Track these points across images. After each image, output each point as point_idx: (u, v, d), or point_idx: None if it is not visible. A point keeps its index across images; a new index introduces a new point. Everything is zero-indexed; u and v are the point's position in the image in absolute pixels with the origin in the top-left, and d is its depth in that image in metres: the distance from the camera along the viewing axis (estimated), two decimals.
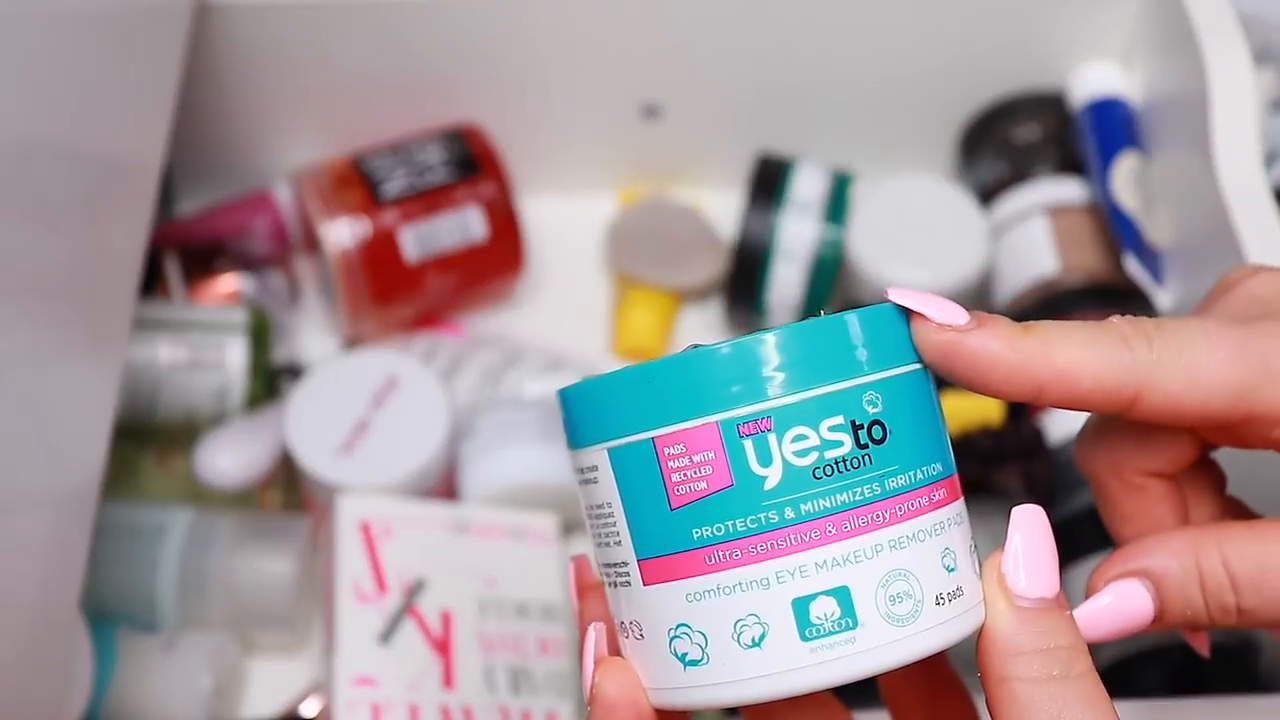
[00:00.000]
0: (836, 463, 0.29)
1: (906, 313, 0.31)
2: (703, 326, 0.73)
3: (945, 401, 0.32)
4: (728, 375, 0.29)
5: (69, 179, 0.46)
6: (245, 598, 0.59)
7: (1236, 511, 0.36)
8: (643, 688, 0.31)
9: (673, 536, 0.29)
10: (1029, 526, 0.31)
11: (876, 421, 0.29)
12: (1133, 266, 0.62)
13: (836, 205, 0.68)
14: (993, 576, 0.30)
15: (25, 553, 0.40)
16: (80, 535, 0.44)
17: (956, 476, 0.31)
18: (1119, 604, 0.33)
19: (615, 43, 0.69)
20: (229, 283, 0.68)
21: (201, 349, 0.64)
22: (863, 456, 0.29)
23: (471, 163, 0.68)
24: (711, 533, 0.29)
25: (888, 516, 0.29)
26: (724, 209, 0.74)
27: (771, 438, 0.29)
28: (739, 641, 0.29)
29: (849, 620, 0.29)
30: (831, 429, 0.29)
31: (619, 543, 0.31)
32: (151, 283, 0.67)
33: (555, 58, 0.70)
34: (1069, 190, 0.68)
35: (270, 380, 0.66)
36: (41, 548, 0.41)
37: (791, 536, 0.29)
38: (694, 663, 0.30)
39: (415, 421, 0.61)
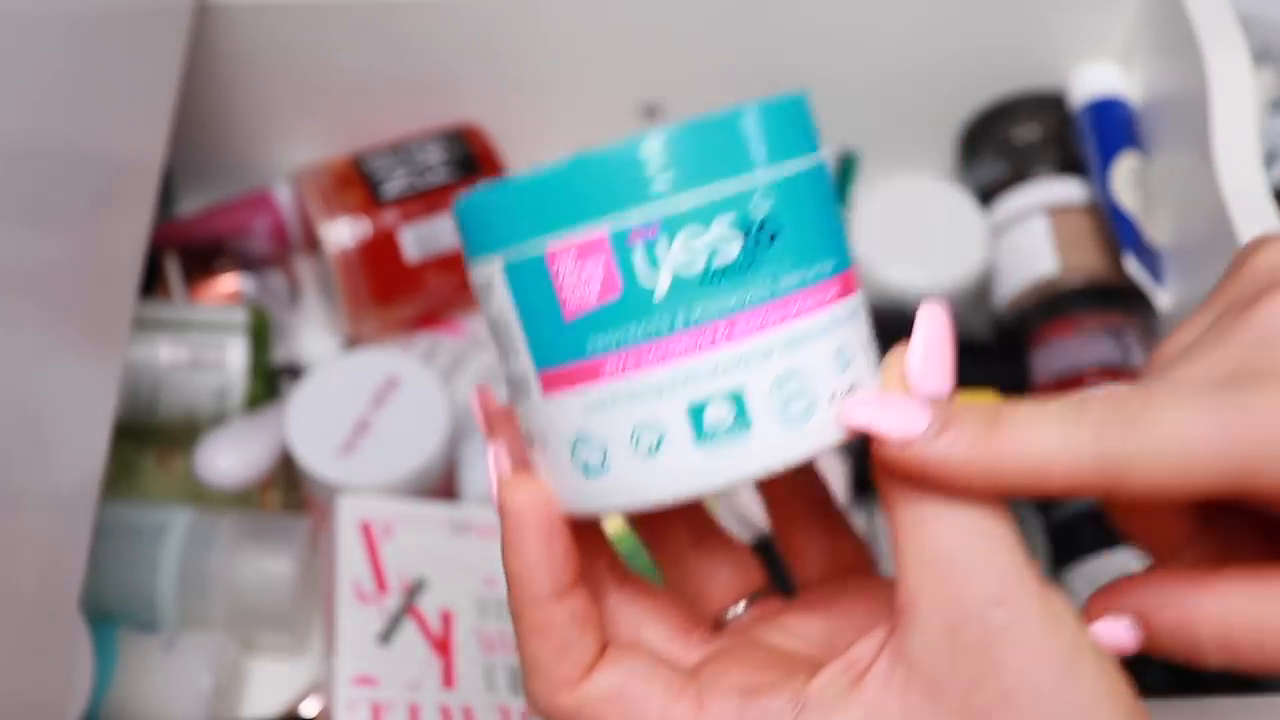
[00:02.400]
0: (727, 267, 0.29)
1: (805, 106, 0.30)
2: None
3: None
4: (614, 178, 0.28)
5: (69, 179, 0.46)
6: (245, 598, 0.59)
7: (1247, 531, 0.35)
8: (550, 498, 0.31)
9: (568, 347, 0.30)
10: (933, 323, 0.30)
11: (766, 221, 0.29)
12: (1133, 266, 0.62)
13: (841, 185, 0.69)
14: (892, 371, 0.30)
15: (25, 552, 0.40)
16: (80, 535, 0.44)
17: (852, 271, 0.31)
18: (1105, 638, 0.32)
19: (615, 43, 0.69)
20: (229, 283, 0.68)
21: (202, 349, 0.64)
22: (752, 258, 0.29)
23: (471, 163, 0.68)
24: (605, 342, 0.29)
25: (778, 317, 0.29)
26: None
27: (661, 242, 0.28)
28: (637, 448, 0.29)
29: (743, 423, 0.29)
30: (720, 231, 0.29)
31: (518, 355, 0.31)
32: (152, 283, 0.67)
33: (555, 58, 0.70)
34: (1069, 190, 0.68)
35: (270, 380, 0.66)
36: (41, 547, 0.41)
37: (683, 342, 0.29)
38: (595, 471, 0.30)
39: (415, 421, 0.61)
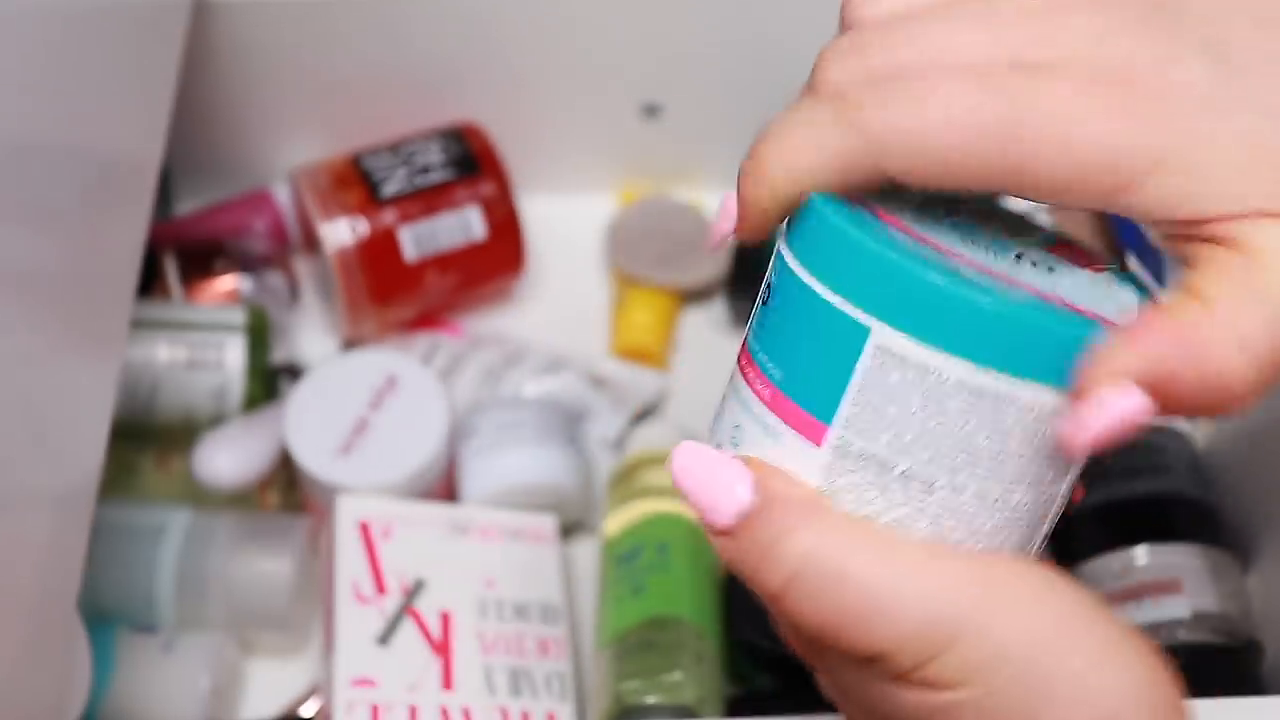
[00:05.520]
0: None
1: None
2: (703, 326, 0.73)
3: None
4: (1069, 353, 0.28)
5: (67, 178, 0.46)
6: (244, 598, 0.58)
7: None
8: None
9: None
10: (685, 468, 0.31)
11: None
12: (1133, 266, 0.62)
13: None
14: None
15: (23, 553, 0.40)
16: (78, 535, 0.44)
17: None
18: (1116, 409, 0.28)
19: (615, 43, 0.69)
20: (228, 282, 0.68)
21: (200, 349, 0.64)
22: None
23: (471, 162, 0.68)
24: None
25: None
26: None
27: None
28: None
29: None
30: None
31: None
32: (150, 282, 0.67)
33: (555, 58, 0.70)
34: None
35: (269, 380, 0.66)
36: (40, 548, 0.41)
37: None
38: None
39: (415, 422, 0.61)
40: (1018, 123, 0.27)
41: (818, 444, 0.30)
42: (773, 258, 0.32)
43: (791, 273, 0.30)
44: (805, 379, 0.30)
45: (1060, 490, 0.31)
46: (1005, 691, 0.28)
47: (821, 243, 0.29)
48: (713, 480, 0.30)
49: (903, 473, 0.29)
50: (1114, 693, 0.28)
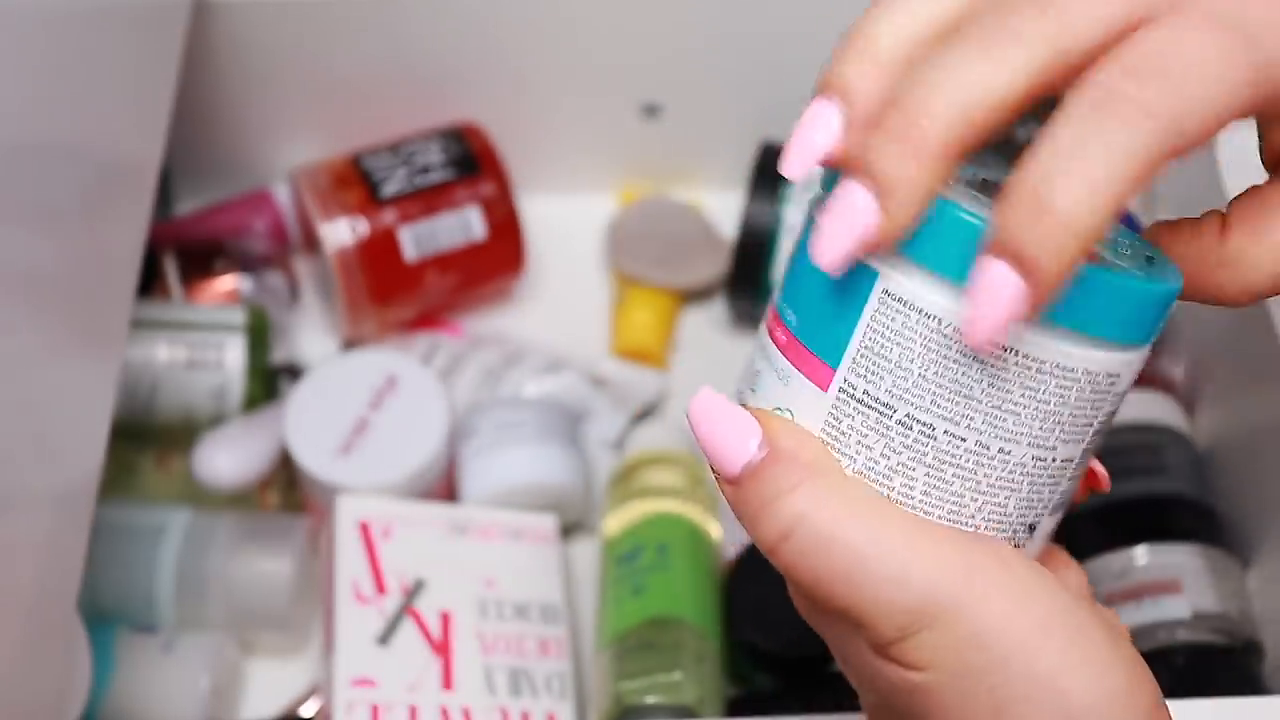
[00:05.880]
0: None
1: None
2: (703, 326, 0.73)
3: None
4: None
5: (67, 178, 0.46)
6: (244, 598, 0.58)
7: None
8: None
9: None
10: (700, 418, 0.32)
11: None
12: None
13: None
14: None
15: (23, 553, 0.40)
16: (78, 535, 0.44)
17: None
18: None
19: (615, 43, 0.69)
20: (228, 282, 0.68)
21: (200, 349, 0.64)
22: None
23: (471, 162, 0.68)
24: None
25: None
26: (724, 209, 0.74)
27: None
28: None
29: None
30: None
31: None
32: (150, 282, 0.67)
33: (555, 58, 0.70)
34: None
35: (269, 380, 0.66)
36: (39, 548, 0.41)
37: None
38: None
39: (414, 422, 0.61)
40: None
41: (824, 389, 0.31)
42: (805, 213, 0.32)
43: (813, 220, 0.31)
44: (817, 324, 0.31)
45: (1066, 458, 0.31)
46: (975, 680, 0.28)
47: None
48: (725, 429, 0.31)
49: (904, 417, 0.30)
50: (1085, 696, 0.28)
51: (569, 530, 0.65)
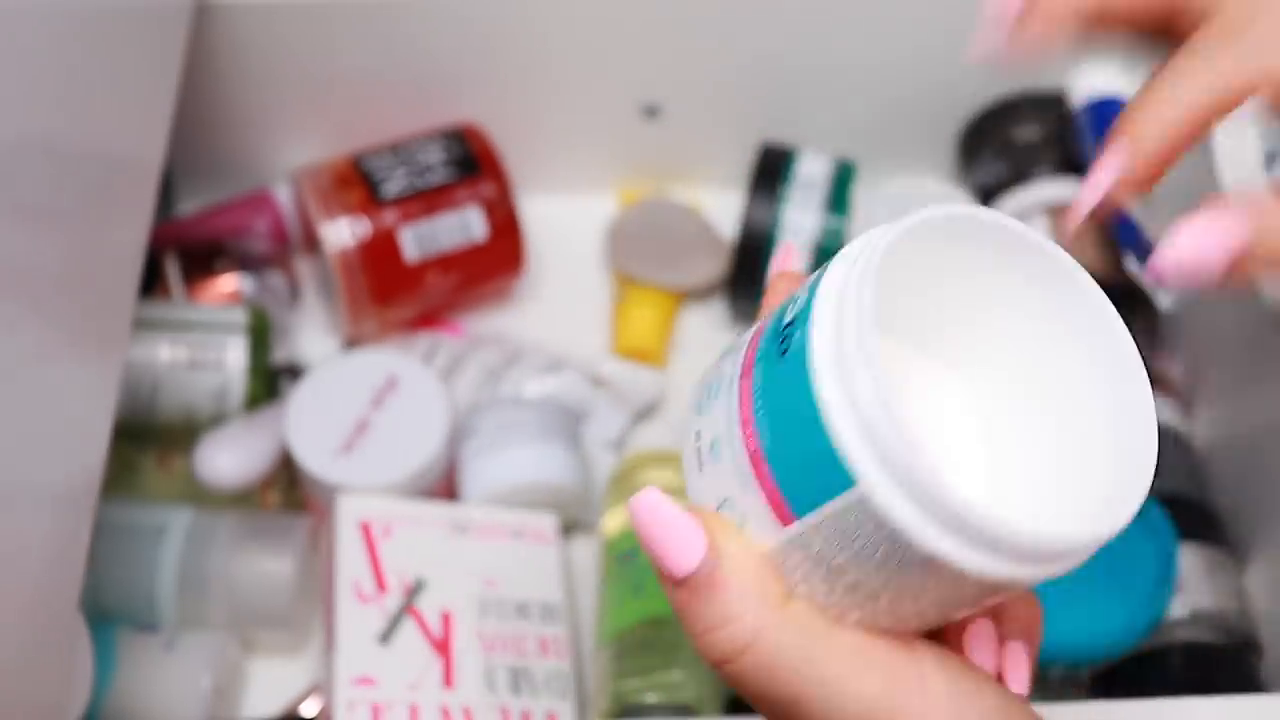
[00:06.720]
0: None
1: None
2: (703, 326, 0.73)
3: None
4: None
5: (69, 178, 0.46)
6: (245, 597, 0.59)
7: None
8: None
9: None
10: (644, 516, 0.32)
11: None
12: (1133, 266, 0.62)
13: (839, 194, 0.68)
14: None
15: (25, 552, 0.40)
16: (80, 535, 0.44)
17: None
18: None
19: (615, 43, 0.69)
20: (229, 282, 0.68)
21: (201, 349, 0.64)
22: None
23: (471, 163, 0.68)
24: None
25: None
26: (724, 209, 0.74)
27: None
28: None
29: None
30: None
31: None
32: (151, 283, 0.67)
33: (555, 58, 0.70)
34: (1069, 190, 0.68)
35: (270, 380, 0.66)
36: (41, 547, 0.41)
37: None
38: None
39: (415, 421, 0.61)
40: None
41: (782, 524, 0.31)
42: (803, 308, 0.31)
43: (808, 385, 0.29)
44: (789, 471, 0.30)
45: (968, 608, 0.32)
46: None
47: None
48: (670, 535, 0.31)
49: (853, 582, 0.30)
50: None
51: (569, 530, 0.65)
